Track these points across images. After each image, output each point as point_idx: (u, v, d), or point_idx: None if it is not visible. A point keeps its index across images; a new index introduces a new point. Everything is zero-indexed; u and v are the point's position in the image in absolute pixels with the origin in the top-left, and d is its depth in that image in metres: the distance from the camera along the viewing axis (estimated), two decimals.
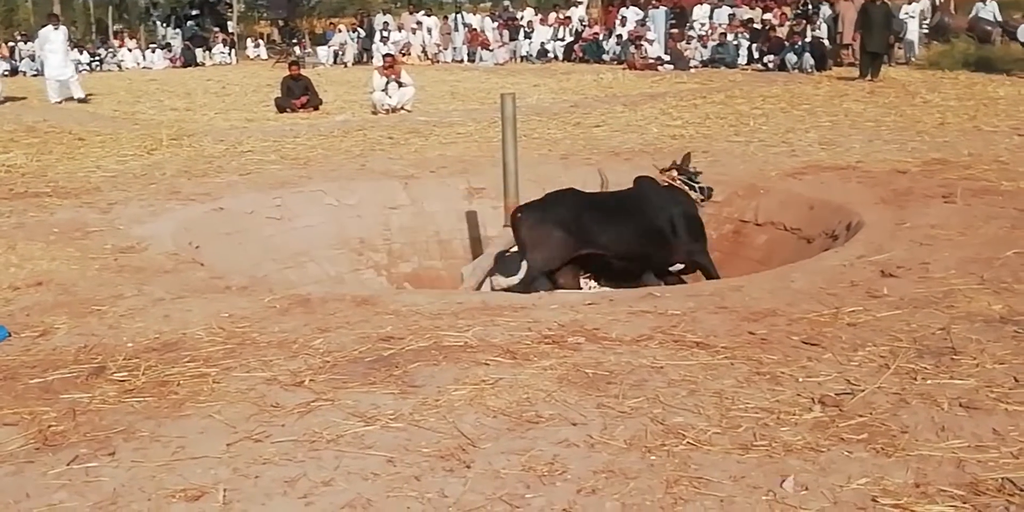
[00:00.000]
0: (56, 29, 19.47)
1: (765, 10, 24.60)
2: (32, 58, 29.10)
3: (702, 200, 7.54)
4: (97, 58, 30.39)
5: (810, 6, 23.99)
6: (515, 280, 6.91)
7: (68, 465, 3.30)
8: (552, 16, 29.80)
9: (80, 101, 18.55)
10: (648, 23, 25.69)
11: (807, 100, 14.95)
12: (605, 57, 26.11)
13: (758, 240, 8.05)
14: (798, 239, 7.68)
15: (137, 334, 4.74)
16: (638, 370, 4.02)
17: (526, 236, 6.99)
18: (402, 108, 15.51)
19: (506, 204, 7.55)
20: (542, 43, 28.42)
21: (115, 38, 34.06)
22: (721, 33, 24.07)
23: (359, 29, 31.07)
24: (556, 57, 27.87)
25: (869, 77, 17.50)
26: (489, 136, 11.57)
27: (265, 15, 43.40)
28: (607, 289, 7.08)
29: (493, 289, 7.19)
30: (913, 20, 21.41)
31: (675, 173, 7.56)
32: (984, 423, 3.42)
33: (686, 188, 7.44)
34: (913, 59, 20.81)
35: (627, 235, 6.99)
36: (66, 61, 19.45)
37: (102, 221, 7.50)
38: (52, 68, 19.03)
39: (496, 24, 29.88)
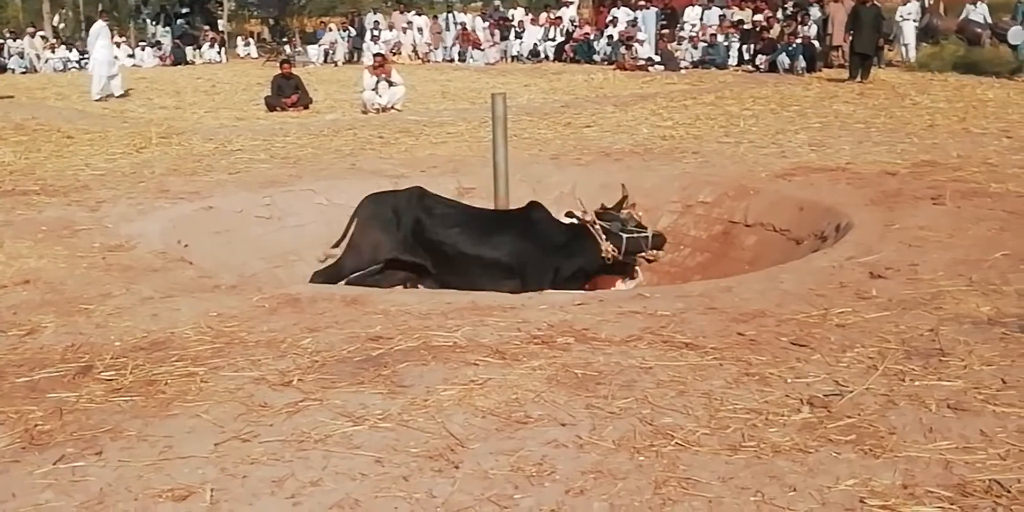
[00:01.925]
0: (106, 25, 20.02)
1: (756, 11, 24.64)
2: (21, 55, 29.01)
3: (624, 254, 6.84)
4: (86, 56, 30.23)
5: (799, 8, 24.03)
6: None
7: (54, 464, 3.29)
8: (543, 16, 29.81)
9: (106, 98, 18.69)
10: (639, 24, 25.71)
11: (797, 101, 14.99)
12: (596, 57, 26.13)
13: (747, 241, 8.05)
14: (787, 240, 7.68)
15: (125, 333, 4.72)
16: (627, 371, 4.02)
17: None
18: (392, 107, 15.50)
19: (496, 204, 7.54)
20: (534, 43, 28.41)
21: None
22: (711, 34, 24.12)
23: (350, 28, 31.06)
24: (547, 57, 27.88)
25: (859, 79, 17.54)
26: (480, 136, 11.56)
27: (255, 14, 43.30)
28: None
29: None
30: (908, 22, 21.46)
31: (594, 217, 6.89)
32: (972, 424, 3.43)
33: (599, 236, 6.77)
34: (911, 61, 20.83)
35: (457, 257, 6.74)
36: (113, 57, 19.84)
37: (90, 219, 7.46)
38: (104, 64, 19.05)
39: (487, 24, 29.88)
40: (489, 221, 7.03)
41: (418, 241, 6.83)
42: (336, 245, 7.05)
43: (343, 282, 6.78)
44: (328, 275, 6.81)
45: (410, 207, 6.87)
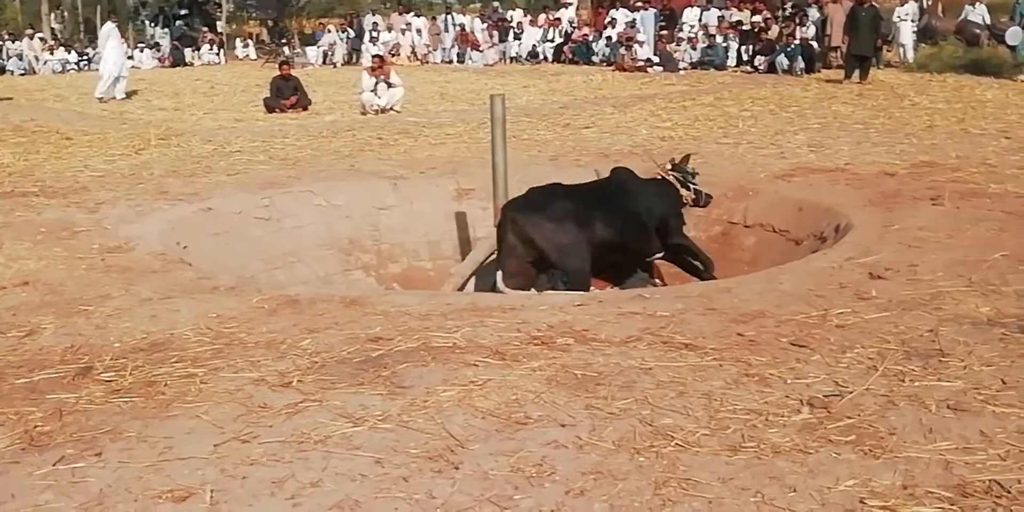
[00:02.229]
0: (116, 26, 20.22)
1: (754, 12, 24.64)
2: (20, 57, 28.99)
3: (694, 202, 7.60)
4: (85, 57, 30.27)
5: (797, 8, 24.03)
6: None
7: (54, 465, 3.29)
8: (542, 17, 29.79)
9: (103, 100, 18.74)
10: (638, 25, 25.72)
11: (796, 102, 14.99)
12: (595, 59, 26.12)
13: (747, 242, 8.06)
14: (787, 241, 7.69)
15: (124, 334, 4.72)
16: (627, 371, 4.02)
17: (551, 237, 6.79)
18: (391, 109, 15.49)
19: (495, 205, 7.54)
20: (532, 44, 28.41)
21: None
22: (710, 35, 24.12)
23: (348, 29, 31.03)
24: (546, 58, 27.87)
25: (858, 80, 17.53)
26: (479, 137, 11.56)
27: (254, 15, 43.28)
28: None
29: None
30: (906, 23, 21.45)
31: (668, 166, 7.63)
32: (971, 425, 3.43)
33: (675, 184, 7.49)
34: (909, 62, 20.82)
35: (613, 224, 6.95)
36: (124, 59, 20.01)
37: (89, 221, 7.46)
38: (114, 65, 19.16)
39: (485, 25, 29.87)
40: (608, 190, 7.27)
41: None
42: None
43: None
44: (583, 281, 6.77)
45: (575, 198, 7.00)
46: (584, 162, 9.92)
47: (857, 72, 17.78)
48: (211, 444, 3.42)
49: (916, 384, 3.81)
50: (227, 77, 25.17)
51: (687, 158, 7.82)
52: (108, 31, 20.00)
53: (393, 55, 27.49)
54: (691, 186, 7.56)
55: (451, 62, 28.75)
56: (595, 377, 3.97)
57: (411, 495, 3.03)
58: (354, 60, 28.97)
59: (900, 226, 6.61)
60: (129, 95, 19.32)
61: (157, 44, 32.44)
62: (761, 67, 21.55)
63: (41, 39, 31.35)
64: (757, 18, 23.97)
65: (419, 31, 29.93)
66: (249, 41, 35.85)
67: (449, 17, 30.85)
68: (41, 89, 22.16)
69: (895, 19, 21.40)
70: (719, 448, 3.30)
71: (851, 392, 3.74)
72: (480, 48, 28.34)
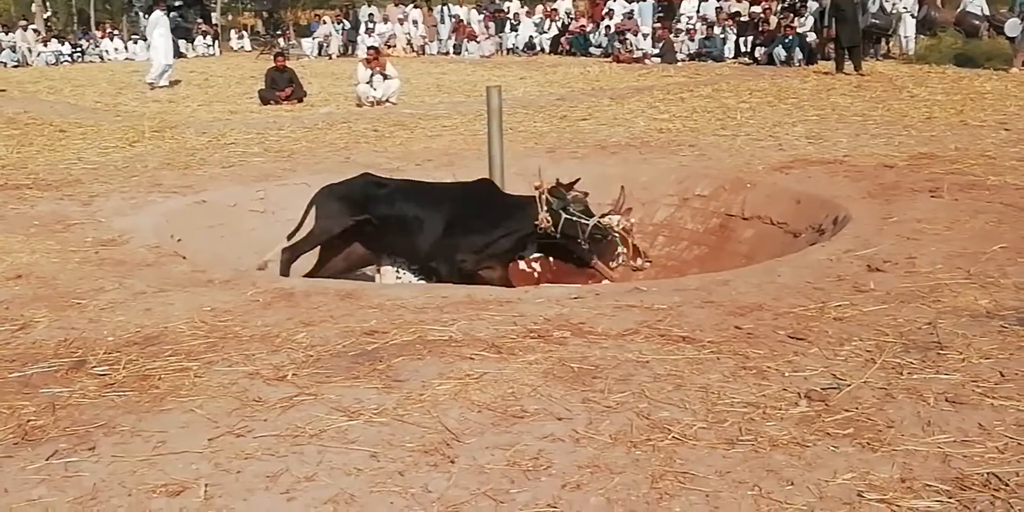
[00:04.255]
0: (164, 14, 20.30)
1: (753, 3, 24.59)
2: (13, 49, 28.94)
3: (554, 233, 6.63)
4: (79, 49, 30.21)
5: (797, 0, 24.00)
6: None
7: (47, 460, 3.26)
8: (539, 8, 29.76)
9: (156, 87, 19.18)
10: (636, 16, 25.65)
11: (794, 94, 14.96)
12: (592, 50, 26.07)
13: (745, 234, 8.03)
14: (785, 233, 7.66)
15: (118, 328, 4.70)
16: (624, 365, 4.00)
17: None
18: (387, 100, 15.45)
19: None
20: (529, 36, 28.36)
21: (97, 29, 33.84)
22: (708, 26, 24.07)
23: (344, 21, 31.00)
24: (543, 50, 27.83)
25: (854, 71, 17.48)
26: (475, 129, 11.53)
27: (249, 6, 43.15)
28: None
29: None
30: (907, 14, 21.35)
31: (544, 186, 6.65)
32: (970, 418, 3.41)
33: (540, 206, 6.60)
34: (909, 53, 20.75)
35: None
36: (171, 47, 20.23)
37: (83, 213, 7.44)
38: (164, 54, 19.44)
39: (482, 16, 29.81)
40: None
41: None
42: None
43: None
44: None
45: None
46: (581, 154, 9.90)
47: (849, 64, 17.71)
48: (205, 438, 3.40)
49: (914, 377, 3.79)
50: (222, 69, 25.13)
51: (570, 183, 6.81)
52: (156, 19, 20.11)
53: (389, 46, 27.46)
54: (561, 211, 6.56)
55: (447, 53, 28.72)
56: (592, 370, 3.95)
57: (407, 489, 3.01)
58: (350, 51, 28.97)
59: (898, 218, 6.58)
60: (172, 84, 19.68)
61: None
62: (760, 59, 21.50)
63: (34, 31, 31.30)
64: (756, 9, 23.91)
65: (415, 22, 29.91)
66: (244, 32, 35.85)
67: (445, 8, 30.81)
68: (34, 81, 22.10)
69: (901, 10, 21.26)
70: (716, 441, 3.28)
71: (849, 385, 3.72)
72: (477, 39, 28.29)
